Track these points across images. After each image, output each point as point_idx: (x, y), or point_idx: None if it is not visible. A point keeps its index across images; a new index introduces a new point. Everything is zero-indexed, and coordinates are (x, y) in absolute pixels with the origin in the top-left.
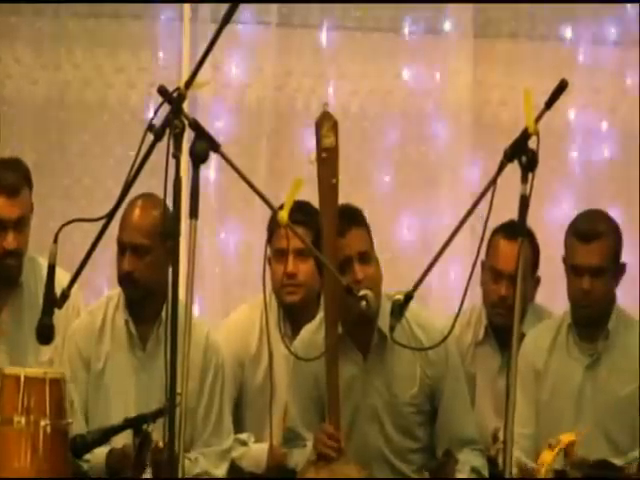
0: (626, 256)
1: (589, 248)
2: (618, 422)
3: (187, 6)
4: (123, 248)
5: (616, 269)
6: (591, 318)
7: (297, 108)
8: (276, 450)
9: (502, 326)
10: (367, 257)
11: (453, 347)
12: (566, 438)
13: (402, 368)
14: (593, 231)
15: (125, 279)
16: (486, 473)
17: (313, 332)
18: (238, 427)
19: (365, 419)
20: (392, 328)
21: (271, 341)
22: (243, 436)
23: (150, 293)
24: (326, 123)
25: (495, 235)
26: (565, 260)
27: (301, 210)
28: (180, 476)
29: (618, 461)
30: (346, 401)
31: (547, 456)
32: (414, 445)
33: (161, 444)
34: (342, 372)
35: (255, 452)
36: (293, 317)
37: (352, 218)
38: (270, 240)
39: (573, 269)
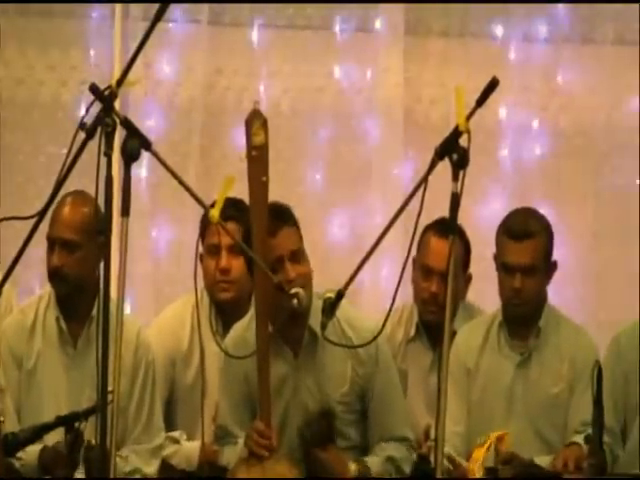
0: (557, 253)
1: (521, 247)
2: (549, 420)
3: (118, 4)
4: (52, 243)
5: (547, 267)
6: (522, 316)
7: (228, 106)
8: (208, 448)
9: (433, 323)
10: (298, 256)
11: (384, 345)
12: (495, 434)
13: (333, 366)
14: (525, 230)
15: (54, 274)
16: (406, 467)
17: (244, 329)
18: (170, 425)
19: (296, 417)
20: (324, 326)
21: (203, 338)
22: (175, 434)
23: (79, 289)
24: (256, 121)
25: (426, 233)
26: (496, 258)
27: (233, 206)
28: (112, 474)
29: (547, 459)
30: (277, 399)
31: (478, 453)
32: (345, 444)
33: (93, 442)
34: (273, 370)
35: (187, 450)
36: (225, 314)
37: (282, 217)
38: (203, 236)
39: (505, 267)
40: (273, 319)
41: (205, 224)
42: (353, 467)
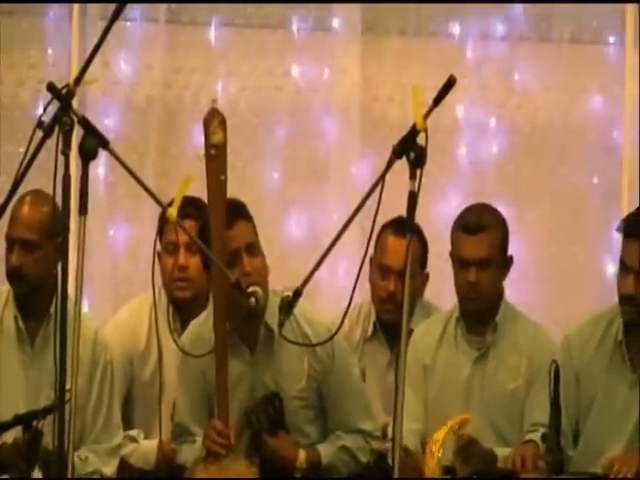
0: (514, 252)
1: (475, 240)
2: (506, 416)
3: (76, 4)
4: (11, 243)
5: (503, 262)
6: (479, 311)
7: (186, 105)
8: (165, 446)
9: (390, 322)
10: (254, 249)
11: (341, 342)
12: (459, 417)
13: (289, 363)
14: (479, 223)
15: (13, 274)
16: (363, 457)
17: (200, 327)
18: (127, 423)
19: None
20: (281, 325)
21: (160, 336)
22: (133, 432)
23: (38, 288)
24: (214, 120)
25: (383, 231)
26: (452, 254)
27: (191, 204)
28: (69, 475)
29: (506, 450)
30: (234, 397)
31: (439, 434)
32: (303, 441)
33: (50, 446)
34: (230, 368)
35: (144, 448)
36: (182, 312)
37: (238, 211)
38: (161, 234)
39: (460, 262)
40: (230, 317)
41: (163, 222)
42: (302, 454)
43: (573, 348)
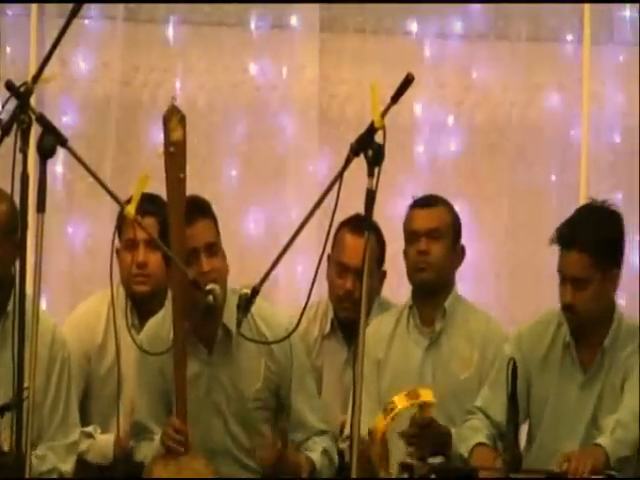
0: (472, 250)
1: (425, 212)
2: (458, 405)
3: (34, 3)
4: None
5: (454, 241)
6: (428, 282)
7: (144, 103)
8: (123, 440)
9: (348, 320)
10: (214, 249)
11: (298, 342)
12: (425, 396)
13: (247, 363)
14: (429, 199)
15: None
16: (335, 458)
17: (158, 325)
18: (84, 419)
19: (210, 414)
20: (239, 323)
21: (118, 332)
22: (89, 429)
23: None
24: (174, 117)
25: (341, 229)
26: (404, 232)
27: (150, 201)
28: (27, 475)
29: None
30: (191, 396)
31: (380, 423)
32: (260, 441)
33: (6, 448)
34: (187, 367)
35: (101, 443)
36: (140, 308)
37: (199, 209)
38: (120, 231)
39: (410, 236)
40: (188, 315)
41: (122, 220)
42: (304, 462)
43: (524, 346)
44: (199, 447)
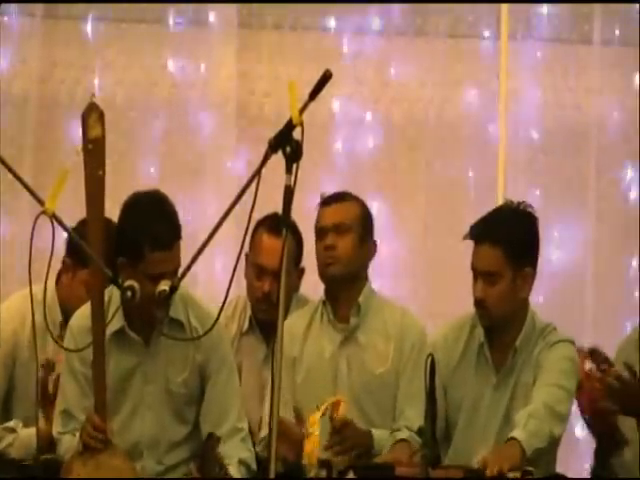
0: (389, 246)
1: (331, 208)
2: (373, 400)
3: None
4: None
5: (363, 234)
6: (337, 276)
7: (62, 99)
8: (44, 432)
9: (266, 320)
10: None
11: (224, 334)
12: (331, 400)
13: (176, 354)
14: (335, 196)
15: None
16: (254, 464)
17: (85, 318)
18: (6, 417)
19: (145, 406)
20: (160, 320)
21: (36, 329)
22: (10, 424)
23: None
24: (93, 114)
25: (258, 229)
26: (315, 231)
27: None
28: None
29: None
30: (128, 389)
31: (314, 418)
32: (185, 429)
33: None
34: (123, 360)
35: (23, 437)
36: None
37: (177, 236)
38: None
39: (319, 233)
40: (124, 311)
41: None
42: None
43: (439, 355)
44: (133, 440)
